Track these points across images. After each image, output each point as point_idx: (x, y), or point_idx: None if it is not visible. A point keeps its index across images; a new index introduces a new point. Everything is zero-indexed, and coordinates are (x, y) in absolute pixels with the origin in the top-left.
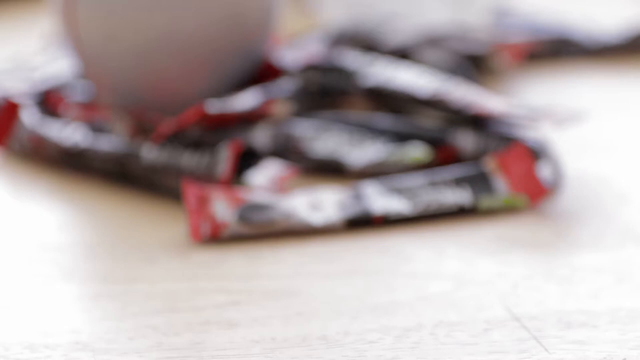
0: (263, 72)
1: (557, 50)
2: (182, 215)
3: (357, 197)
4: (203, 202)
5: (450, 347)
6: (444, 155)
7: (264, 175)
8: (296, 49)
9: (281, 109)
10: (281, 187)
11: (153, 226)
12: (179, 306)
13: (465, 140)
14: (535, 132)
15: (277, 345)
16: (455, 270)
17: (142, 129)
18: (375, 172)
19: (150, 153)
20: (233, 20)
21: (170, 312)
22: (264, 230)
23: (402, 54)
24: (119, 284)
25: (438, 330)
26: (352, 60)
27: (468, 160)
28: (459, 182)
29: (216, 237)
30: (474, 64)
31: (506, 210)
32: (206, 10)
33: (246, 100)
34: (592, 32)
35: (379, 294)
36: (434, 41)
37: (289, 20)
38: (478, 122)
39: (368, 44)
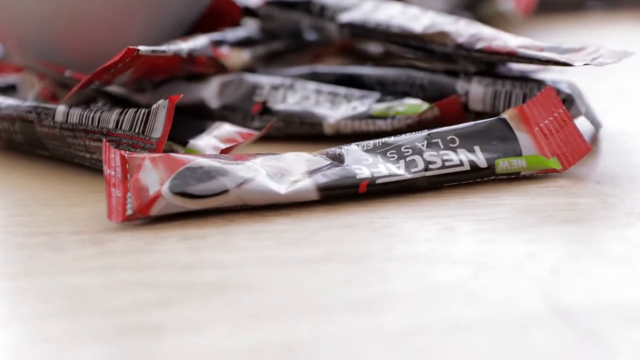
0: (214, 14)
1: None
2: (101, 189)
3: (336, 158)
4: (129, 169)
5: (468, 356)
6: (446, 109)
7: (213, 140)
8: None
9: (236, 59)
10: (236, 154)
11: (61, 202)
12: (88, 307)
13: (475, 90)
14: (563, 76)
15: None
16: (471, 252)
17: (59, 90)
18: (360, 133)
19: (65, 113)
20: None
21: (74, 315)
22: (210, 204)
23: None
24: (9, 278)
25: (450, 333)
26: None
27: (480, 114)
28: (466, 137)
29: (144, 214)
30: (474, 11)
31: (532, 172)
32: None
33: (190, 44)
34: None
35: (366, 285)
36: None
37: None
38: (488, 62)
39: None
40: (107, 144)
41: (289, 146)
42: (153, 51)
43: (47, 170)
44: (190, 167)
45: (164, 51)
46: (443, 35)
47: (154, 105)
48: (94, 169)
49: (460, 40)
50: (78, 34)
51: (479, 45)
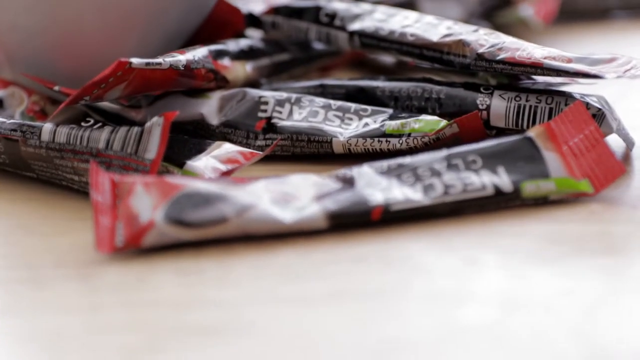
0: (215, 23)
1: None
2: (91, 215)
3: (346, 181)
4: (119, 194)
5: None
6: (466, 126)
7: (213, 161)
8: None
9: (239, 71)
10: (237, 177)
11: (47, 230)
12: (68, 352)
13: (497, 104)
14: (592, 90)
15: None
16: (498, 289)
17: (48, 107)
18: (372, 152)
19: (52, 132)
20: None
21: None
22: (208, 233)
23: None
24: None
25: None
26: (332, 3)
27: (502, 131)
28: (489, 158)
29: (136, 245)
30: (492, 19)
31: (561, 196)
32: None
33: (188, 55)
34: None
35: (380, 327)
36: None
37: None
38: (510, 75)
39: None
40: (95, 166)
41: (296, 166)
42: (147, 64)
43: (33, 194)
44: (186, 193)
45: (159, 64)
46: (462, 44)
47: (148, 123)
48: (84, 192)
49: (481, 50)
50: (70, 46)
51: (501, 55)
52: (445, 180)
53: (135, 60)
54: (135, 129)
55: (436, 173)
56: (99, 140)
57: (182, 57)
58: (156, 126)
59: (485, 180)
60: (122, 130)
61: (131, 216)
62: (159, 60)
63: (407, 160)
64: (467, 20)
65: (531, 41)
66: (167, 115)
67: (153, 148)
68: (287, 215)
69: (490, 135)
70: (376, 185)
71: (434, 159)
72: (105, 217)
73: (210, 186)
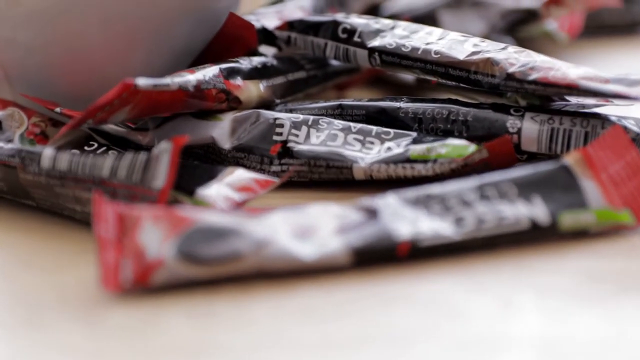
0: (226, 39)
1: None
2: (93, 248)
3: (370, 213)
4: (125, 227)
5: None
6: (496, 151)
7: (225, 189)
8: (275, 8)
9: (252, 91)
10: (252, 206)
11: (47, 264)
12: None
13: (528, 128)
14: (627, 112)
15: None
16: (536, 334)
17: (49, 129)
18: (395, 178)
19: (52, 158)
20: None
21: None
22: (222, 271)
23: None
24: None
25: None
26: (351, 18)
27: (533, 156)
28: (524, 187)
29: (144, 283)
30: (517, 34)
31: (601, 228)
32: None
33: (198, 75)
34: None
35: None
36: (458, 2)
37: None
38: (544, 96)
39: (371, 5)
40: (99, 196)
41: (314, 193)
42: (154, 85)
43: (33, 224)
44: (198, 227)
45: (167, 85)
46: (490, 63)
47: (156, 150)
48: (87, 222)
49: (511, 69)
50: (72, 62)
51: (533, 75)
52: (477, 212)
53: (141, 82)
54: (142, 156)
55: (468, 204)
56: (102, 168)
57: (191, 77)
58: (164, 153)
59: (520, 212)
60: (128, 156)
61: (138, 252)
62: (167, 81)
63: (435, 189)
64: (489, 34)
65: (556, 56)
66: (176, 141)
67: (161, 176)
68: (307, 252)
69: (521, 160)
70: (403, 218)
71: (465, 188)
72: (109, 252)
73: (223, 219)
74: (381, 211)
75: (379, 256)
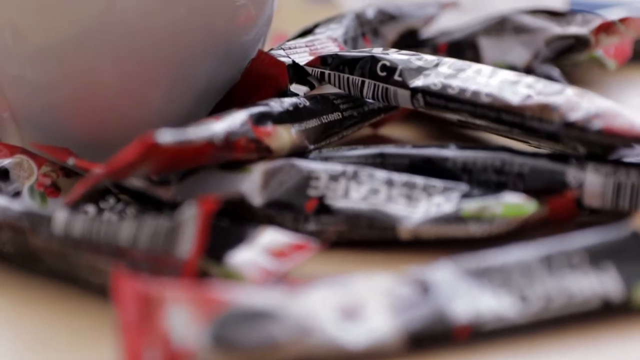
0: (254, 77)
1: None
2: (110, 325)
3: (423, 289)
4: (149, 310)
5: None
6: (557, 207)
7: (259, 256)
8: (306, 40)
9: (284, 138)
10: (290, 277)
11: (60, 344)
12: None
13: (591, 181)
14: None
15: None
16: None
17: (61, 180)
18: (445, 238)
19: (66, 224)
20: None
21: None
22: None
23: (455, 49)
24: None
25: None
26: (390, 54)
27: (600, 215)
28: (595, 256)
29: None
30: (562, 63)
31: None
32: None
33: (225, 123)
34: None
35: None
36: (499, 28)
37: (297, 12)
38: (609, 146)
39: (407, 31)
40: (117, 272)
41: (355, 255)
42: (178, 142)
43: (45, 293)
44: (232, 313)
45: (191, 140)
46: (549, 109)
47: (181, 214)
48: (104, 293)
49: (572, 117)
50: (84, 103)
51: (597, 124)
52: (544, 290)
53: (163, 138)
54: (166, 222)
55: (533, 279)
56: (121, 235)
57: (218, 128)
58: (190, 219)
59: (592, 288)
60: (149, 222)
61: (165, 340)
62: (192, 136)
63: (496, 260)
64: (532, 63)
65: (604, 82)
66: (205, 207)
67: (187, 246)
68: (354, 339)
69: (583, 216)
70: (460, 296)
71: (530, 259)
72: (131, 339)
73: (259, 300)
74: (436, 287)
75: (436, 340)
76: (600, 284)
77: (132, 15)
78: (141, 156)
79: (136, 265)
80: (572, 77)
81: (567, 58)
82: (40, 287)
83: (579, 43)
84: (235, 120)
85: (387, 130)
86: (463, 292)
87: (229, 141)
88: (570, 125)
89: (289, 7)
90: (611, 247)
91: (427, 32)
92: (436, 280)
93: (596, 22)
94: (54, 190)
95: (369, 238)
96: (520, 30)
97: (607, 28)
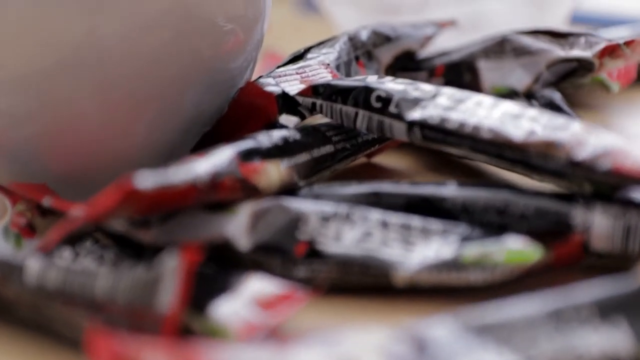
0: (241, 109)
1: None
2: None
3: (420, 348)
4: None
5: None
6: (562, 253)
7: (245, 307)
8: (296, 67)
9: (272, 175)
10: (278, 331)
11: None
12: None
13: (599, 223)
14: None
15: None
16: None
17: (37, 220)
18: (445, 285)
19: (38, 275)
20: (189, 24)
21: None
22: None
23: (453, 72)
24: None
25: None
26: (385, 83)
27: (609, 261)
28: (604, 310)
29: None
30: (564, 87)
31: None
32: (144, 9)
33: (210, 162)
34: None
35: None
36: (498, 50)
37: (288, 27)
38: (618, 186)
39: (403, 53)
40: (93, 328)
41: (348, 302)
42: (160, 187)
43: (16, 342)
44: None
45: (174, 185)
46: (552, 146)
47: (161, 266)
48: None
49: (579, 156)
50: (62, 134)
51: (605, 164)
52: (553, 349)
53: (142, 184)
54: (145, 274)
55: (540, 336)
56: (97, 287)
57: (202, 169)
58: (170, 273)
59: (601, 346)
60: (128, 273)
61: None
62: (174, 179)
63: (500, 316)
64: (533, 87)
65: (607, 105)
66: (187, 256)
67: (167, 300)
68: None
69: (589, 261)
70: (461, 355)
71: (536, 316)
72: None
73: (244, 357)
74: (434, 345)
75: None
76: (610, 340)
77: (113, 42)
78: (120, 203)
79: (113, 319)
80: (574, 100)
81: (569, 82)
82: (7, 339)
83: (583, 67)
84: (221, 157)
85: (382, 159)
86: (463, 352)
87: (214, 182)
88: (576, 165)
89: (280, 23)
90: (620, 298)
91: (424, 52)
92: (434, 337)
93: (600, 45)
94: (29, 230)
95: (363, 285)
96: (520, 52)
97: (612, 51)
